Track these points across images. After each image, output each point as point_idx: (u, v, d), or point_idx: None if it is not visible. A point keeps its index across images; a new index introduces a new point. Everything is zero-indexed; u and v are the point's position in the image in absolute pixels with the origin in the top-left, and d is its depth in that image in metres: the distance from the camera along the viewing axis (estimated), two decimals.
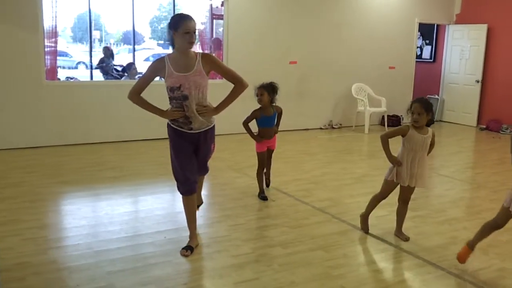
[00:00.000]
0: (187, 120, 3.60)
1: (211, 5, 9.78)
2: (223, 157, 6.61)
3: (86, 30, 20.20)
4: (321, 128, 9.62)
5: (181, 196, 3.79)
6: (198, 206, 4.30)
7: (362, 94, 9.66)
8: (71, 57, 20.28)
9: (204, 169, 4.02)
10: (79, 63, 19.87)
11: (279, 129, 5.25)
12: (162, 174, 5.81)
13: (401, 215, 4.10)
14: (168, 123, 3.70)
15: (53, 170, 6.01)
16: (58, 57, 7.94)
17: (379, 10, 9.80)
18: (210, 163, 4.06)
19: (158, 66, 3.60)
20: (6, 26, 6.71)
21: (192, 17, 3.55)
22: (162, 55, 3.72)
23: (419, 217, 4.66)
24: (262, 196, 5.10)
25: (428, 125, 3.86)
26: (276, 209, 4.86)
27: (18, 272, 3.28)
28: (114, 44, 24.57)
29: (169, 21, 3.63)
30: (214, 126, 3.80)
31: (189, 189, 3.72)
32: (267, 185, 5.43)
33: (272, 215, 4.70)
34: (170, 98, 3.61)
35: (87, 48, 11.12)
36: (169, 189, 5.17)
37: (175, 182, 3.76)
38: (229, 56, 8.46)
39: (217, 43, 9.40)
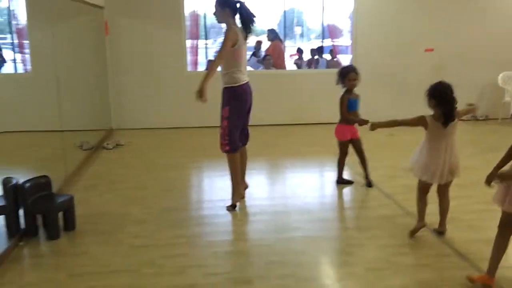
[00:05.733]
0: None
1: None
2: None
3: (289, 27, 21.76)
4: (463, 120, 9.05)
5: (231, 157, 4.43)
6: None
7: (511, 83, 8.79)
8: None
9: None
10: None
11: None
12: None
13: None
14: None
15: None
16: None
17: None
18: None
19: None
20: (158, 28, 8.07)
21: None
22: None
23: None
24: (340, 181, 5.21)
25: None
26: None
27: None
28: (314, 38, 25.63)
29: None
30: (224, 88, 4.33)
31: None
32: (370, 185, 5.10)
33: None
34: None
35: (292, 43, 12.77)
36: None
37: None
38: (358, 41, 8.58)
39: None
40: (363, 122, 4.78)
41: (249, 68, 10.21)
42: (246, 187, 4.83)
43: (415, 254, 3.64)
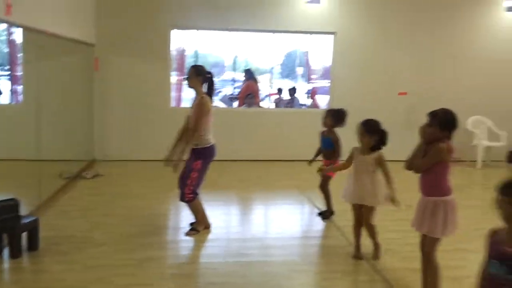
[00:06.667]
0: None
1: None
2: None
3: (292, 67, 22.43)
4: None
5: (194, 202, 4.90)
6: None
7: (482, 127, 9.18)
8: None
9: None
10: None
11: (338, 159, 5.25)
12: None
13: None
14: None
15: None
16: None
17: (505, 46, 9.30)
18: None
19: None
20: (145, 64, 8.52)
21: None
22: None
23: None
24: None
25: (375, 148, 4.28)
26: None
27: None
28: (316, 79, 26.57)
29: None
30: (196, 148, 4.80)
31: None
32: (324, 218, 5.47)
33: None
34: None
35: (293, 83, 13.46)
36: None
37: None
38: (335, 85, 9.05)
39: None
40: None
41: (222, 105, 10.81)
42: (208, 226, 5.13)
43: (346, 280, 3.95)
